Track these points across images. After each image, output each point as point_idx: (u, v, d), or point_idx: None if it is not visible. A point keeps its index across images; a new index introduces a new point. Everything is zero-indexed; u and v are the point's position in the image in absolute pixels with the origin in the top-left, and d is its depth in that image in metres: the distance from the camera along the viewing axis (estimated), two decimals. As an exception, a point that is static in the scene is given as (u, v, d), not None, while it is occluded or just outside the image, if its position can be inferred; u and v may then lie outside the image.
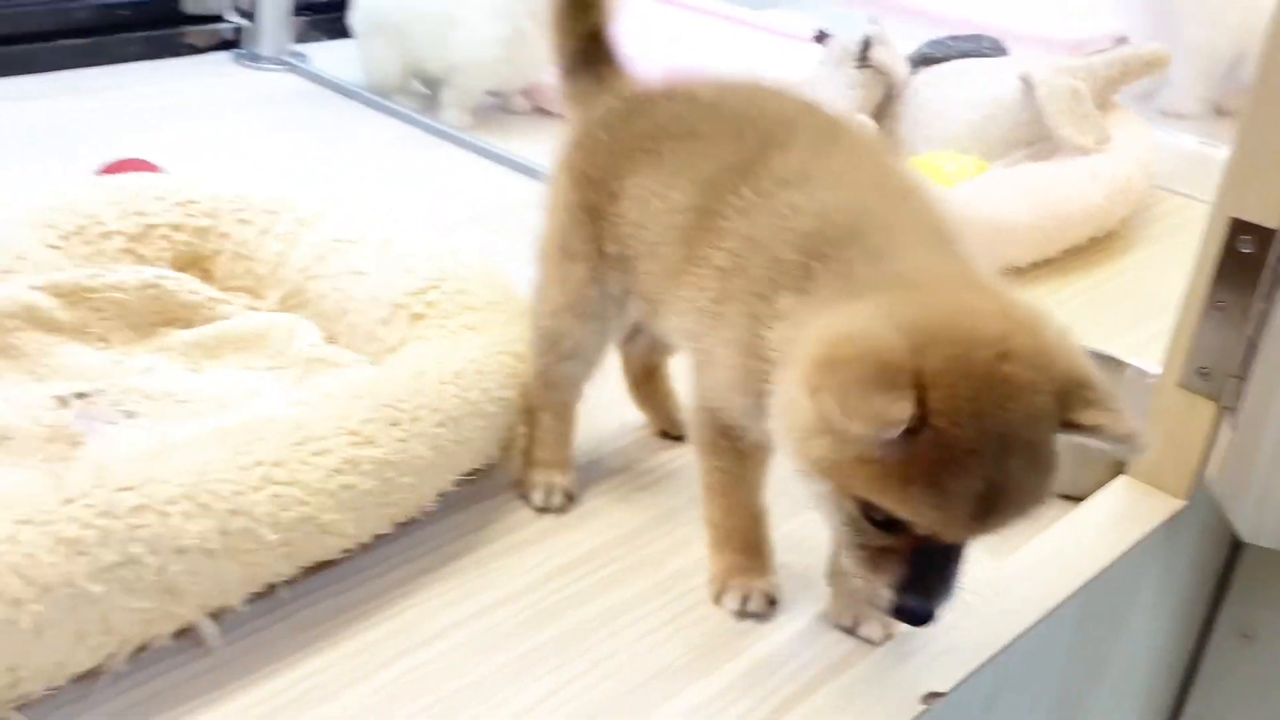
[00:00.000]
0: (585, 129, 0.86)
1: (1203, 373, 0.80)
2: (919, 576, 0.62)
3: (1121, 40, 2.13)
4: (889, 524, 0.62)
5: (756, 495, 0.80)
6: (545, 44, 1.49)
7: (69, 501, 0.65)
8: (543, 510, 0.87)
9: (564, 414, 0.90)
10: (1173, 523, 0.83)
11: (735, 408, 0.74)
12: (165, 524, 0.67)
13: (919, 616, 0.63)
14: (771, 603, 0.80)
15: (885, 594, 0.64)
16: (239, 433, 0.76)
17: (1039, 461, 0.60)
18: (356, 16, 1.61)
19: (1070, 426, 0.61)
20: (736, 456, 0.78)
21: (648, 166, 0.80)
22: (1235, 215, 0.76)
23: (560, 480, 0.89)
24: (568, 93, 0.90)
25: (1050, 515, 0.91)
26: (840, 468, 0.61)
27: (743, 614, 0.79)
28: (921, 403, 0.58)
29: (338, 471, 0.75)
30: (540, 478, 0.88)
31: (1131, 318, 1.27)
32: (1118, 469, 0.90)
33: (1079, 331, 1.20)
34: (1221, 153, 1.76)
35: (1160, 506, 0.83)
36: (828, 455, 0.61)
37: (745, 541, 0.81)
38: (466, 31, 1.53)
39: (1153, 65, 1.57)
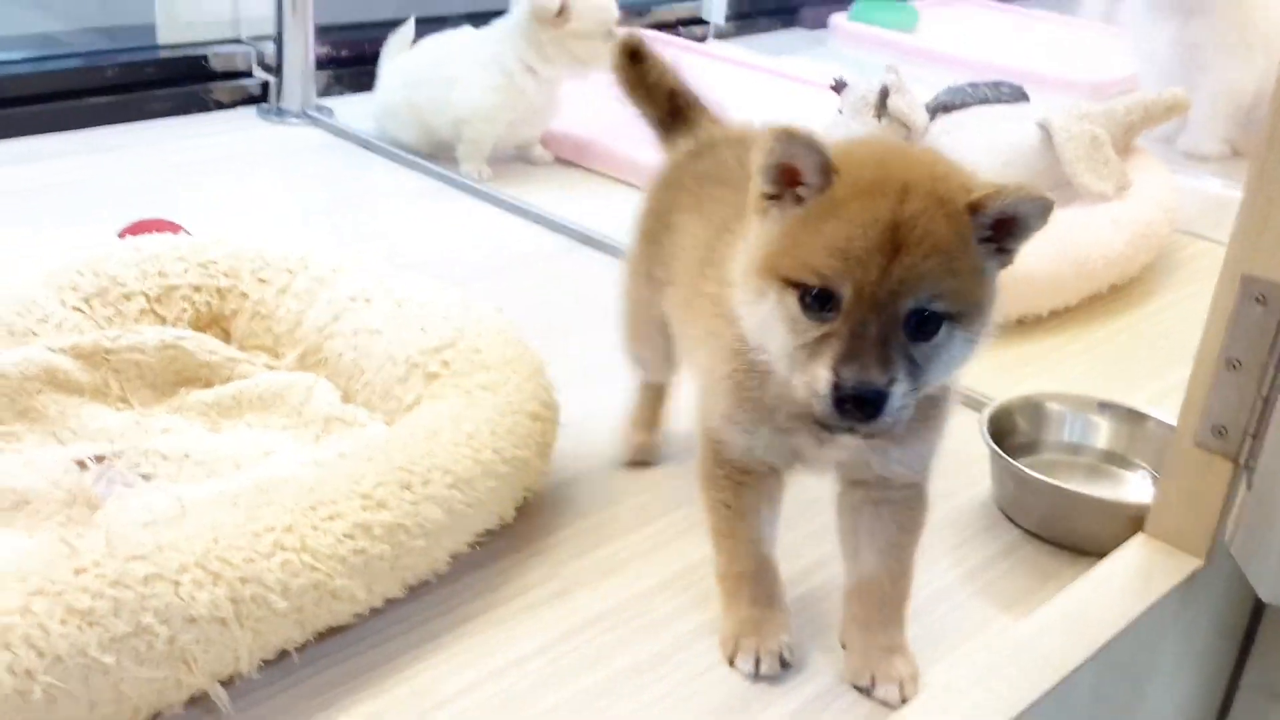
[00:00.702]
0: (664, 166, 0.95)
1: (1218, 431, 0.79)
2: (854, 350, 0.65)
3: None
4: (822, 302, 0.66)
5: (761, 538, 0.81)
6: (544, 92, 1.61)
7: (81, 571, 0.66)
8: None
9: (650, 393, 1.03)
10: (1191, 582, 0.82)
11: (734, 431, 0.78)
12: (177, 593, 0.67)
13: (859, 391, 0.64)
14: (785, 664, 0.79)
15: (824, 375, 0.65)
16: (251, 496, 0.77)
17: (943, 227, 0.66)
18: (378, 99, 1.70)
19: (976, 208, 0.67)
20: (735, 489, 0.80)
21: (690, 204, 0.88)
22: (1247, 272, 0.76)
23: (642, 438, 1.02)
24: (662, 142, 0.98)
25: (1068, 574, 0.91)
26: (773, 256, 0.69)
27: (756, 676, 0.79)
28: (833, 168, 0.68)
29: (349, 536, 0.75)
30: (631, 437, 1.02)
31: (1155, 366, 1.26)
32: (1136, 526, 0.89)
33: (1102, 381, 1.21)
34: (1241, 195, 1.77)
35: (1179, 566, 0.82)
36: (764, 246, 0.70)
37: (755, 595, 0.81)
38: (462, 87, 1.59)
39: (1173, 110, 1.57)
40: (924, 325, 0.66)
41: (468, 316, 1.00)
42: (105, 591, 0.65)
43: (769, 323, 0.70)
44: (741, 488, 0.80)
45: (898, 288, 0.65)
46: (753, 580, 0.81)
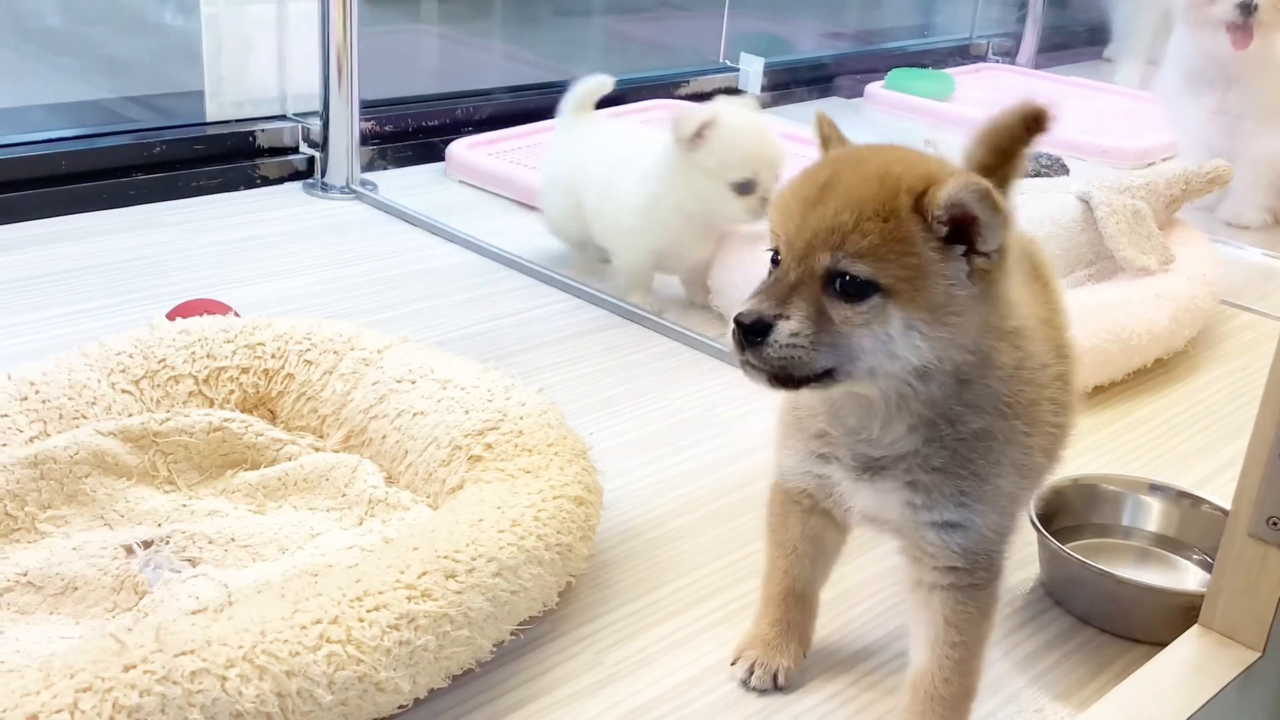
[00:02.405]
0: None
1: (1273, 523, 0.78)
2: (763, 289, 0.70)
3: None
4: (774, 256, 0.72)
5: (796, 572, 0.85)
6: (690, 226, 1.40)
7: (130, 668, 0.66)
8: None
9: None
10: (1248, 675, 0.80)
11: (782, 453, 0.81)
12: (223, 688, 0.67)
13: (742, 318, 0.69)
14: (778, 685, 0.85)
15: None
16: (296, 586, 0.77)
17: (876, 195, 0.68)
18: (545, 165, 1.60)
19: (920, 195, 0.67)
20: (782, 518, 0.84)
21: None
22: (1300, 362, 0.75)
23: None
24: None
25: (1122, 663, 0.89)
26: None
27: (746, 684, 0.85)
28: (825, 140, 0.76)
29: (393, 628, 0.75)
30: None
31: (1204, 443, 1.25)
32: (1190, 614, 0.87)
33: (1150, 459, 1.19)
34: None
35: (1235, 659, 0.80)
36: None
37: (775, 618, 0.86)
38: (616, 199, 1.44)
39: (1215, 181, 1.57)
40: (849, 287, 0.67)
41: (510, 399, 1.01)
42: (153, 688, 0.66)
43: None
44: (787, 518, 0.85)
45: (814, 239, 0.68)
46: (777, 605, 0.86)
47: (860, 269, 0.67)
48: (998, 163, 0.89)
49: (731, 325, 0.69)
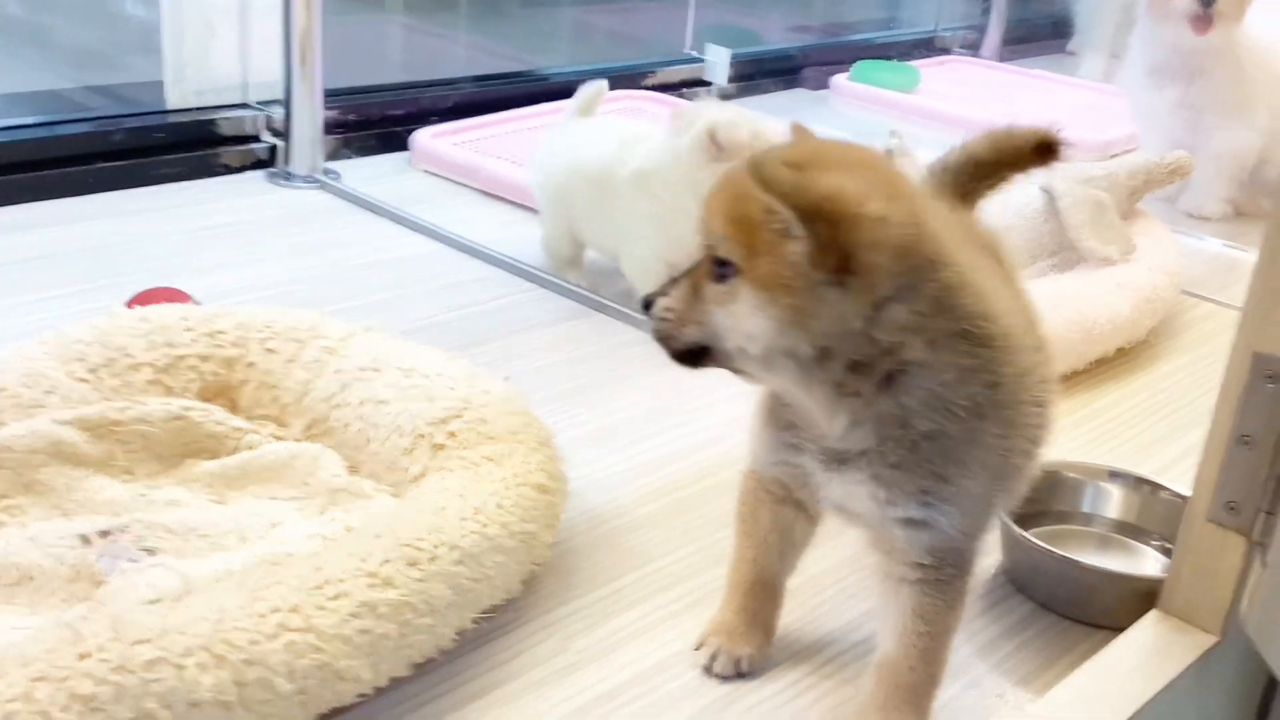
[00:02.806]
0: None
1: (1231, 507, 0.79)
2: (673, 277, 0.76)
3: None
4: None
5: (764, 561, 0.85)
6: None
7: (85, 656, 0.65)
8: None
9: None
10: (1206, 659, 0.81)
11: (754, 440, 0.82)
12: (180, 677, 0.67)
13: (644, 295, 0.76)
14: (741, 673, 0.85)
15: None
16: (256, 575, 0.76)
17: (735, 187, 0.71)
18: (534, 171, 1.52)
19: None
20: (752, 506, 0.85)
21: None
22: (1257, 349, 0.76)
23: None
24: None
25: (1083, 648, 0.90)
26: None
27: (709, 670, 0.85)
28: None
29: (354, 615, 0.75)
30: None
31: (1165, 432, 1.26)
32: (1150, 600, 0.88)
33: (1112, 448, 1.20)
34: (1244, 255, 1.78)
35: (1193, 643, 0.81)
36: None
37: (740, 605, 0.86)
38: (619, 203, 1.39)
39: (1177, 173, 1.58)
40: (719, 268, 0.71)
41: (474, 387, 1.00)
42: (109, 677, 0.65)
43: None
44: (758, 508, 0.84)
45: (703, 225, 0.73)
46: (743, 593, 0.86)
47: (721, 249, 0.71)
48: (992, 168, 0.90)
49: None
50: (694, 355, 0.74)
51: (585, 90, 1.51)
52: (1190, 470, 1.16)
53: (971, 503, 0.75)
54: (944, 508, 0.74)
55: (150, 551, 0.89)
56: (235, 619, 0.71)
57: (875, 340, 0.69)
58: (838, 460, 0.75)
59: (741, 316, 0.70)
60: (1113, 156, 2.18)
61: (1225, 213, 1.94)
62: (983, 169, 0.90)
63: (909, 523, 0.75)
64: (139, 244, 1.51)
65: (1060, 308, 1.30)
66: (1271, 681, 0.92)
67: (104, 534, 0.88)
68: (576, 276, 1.50)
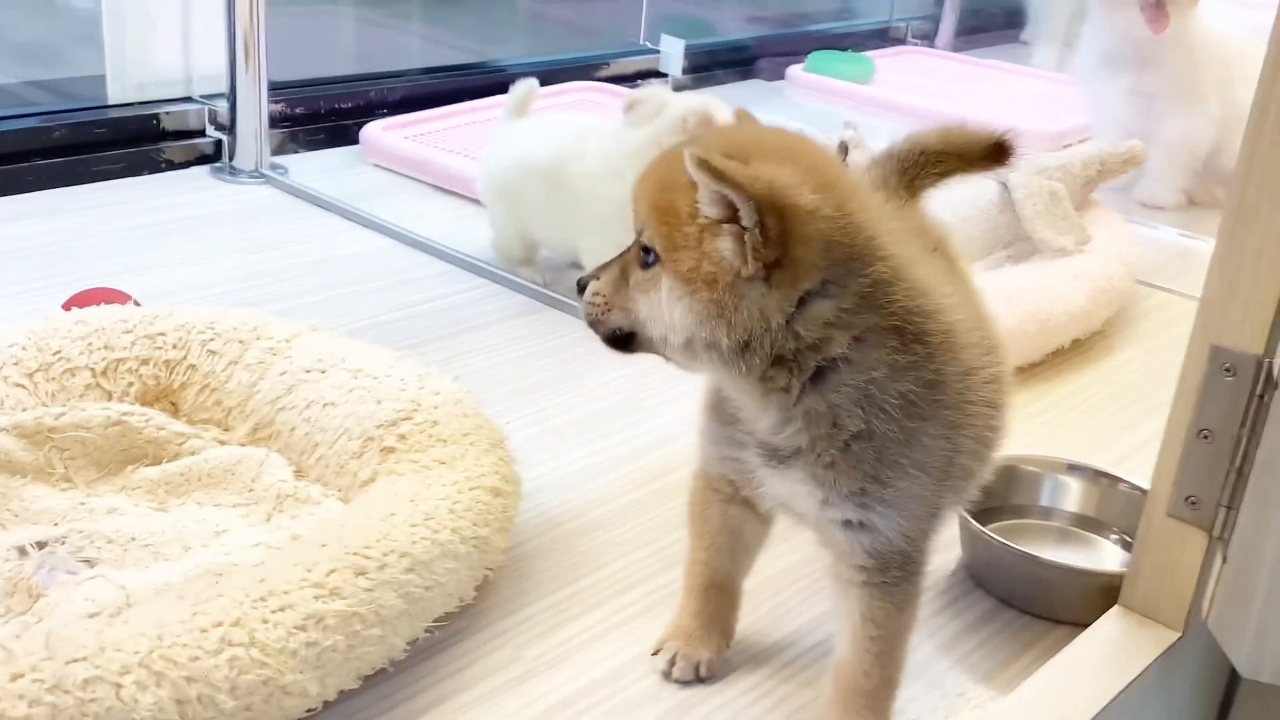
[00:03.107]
0: None
1: (1191, 502, 0.78)
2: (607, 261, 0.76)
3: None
4: None
5: (716, 563, 0.84)
6: None
7: (18, 677, 0.63)
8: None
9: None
10: (1169, 655, 0.80)
11: (701, 438, 0.81)
12: (118, 696, 0.64)
13: (578, 278, 0.77)
14: (700, 678, 0.84)
15: None
16: (197, 587, 0.74)
17: (682, 179, 0.68)
18: (481, 177, 1.49)
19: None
20: (701, 508, 0.83)
21: None
22: (1215, 343, 0.75)
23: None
24: None
25: (1044, 643, 0.89)
26: None
27: (667, 675, 0.84)
28: None
29: (300, 629, 0.72)
30: None
31: (1122, 423, 1.25)
32: (1110, 594, 0.87)
33: (1068, 439, 1.20)
34: (1199, 244, 1.78)
35: (1156, 639, 0.80)
36: None
37: (696, 609, 0.85)
38: (579, 192, 1.36)
39: (1130, 162, 1.58)
40: (644, 256, 0.72)
41: (424, 388, 0.98)
42: (43, 698, 0.62)
43: None
44: (707, 508, 0.83)
45: (634, 211, 0.73)
46: (698, 596, 0.85)
47: (645, 236, 0.71)
48: (939, 161, 0.88)
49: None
50: (622, 340, 0.75)
51: (516, 90, 1.48)
52: (1149, 462, 1.16)
53: (912, 505, 0.73)
54: (881, 510, 0.72)
55: (90, 563, 0.86)
56: (175, 634, 0.68)
57: (799, 335, 0.68)
58: (777, 457, 0.74)
59: (662, 306, 0.70)
60: (1066, 146, 2.19)
61: (1179, 202, 1.94)
62: (930, 161, 0.88)
63: (848, 525, 0.74)
64: (79, 243, 1.47)
65: (1016, 300, 1.30)
66: (1233, 675, 0.91)
67: (41, 545, 0.85)
68: (530, 274, 1.48)
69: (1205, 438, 0.77)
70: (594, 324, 0.76)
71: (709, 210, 0.67)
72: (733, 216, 0.67)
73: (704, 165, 0.65)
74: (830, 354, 0.68)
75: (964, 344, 0.72)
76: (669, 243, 0.69)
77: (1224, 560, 0.76)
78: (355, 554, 0.78)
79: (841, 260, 0.67)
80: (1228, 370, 0.75)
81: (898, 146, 0.88)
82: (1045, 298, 1.32)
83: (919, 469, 0.72)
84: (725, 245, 0.67)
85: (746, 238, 0.66)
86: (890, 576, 0.75)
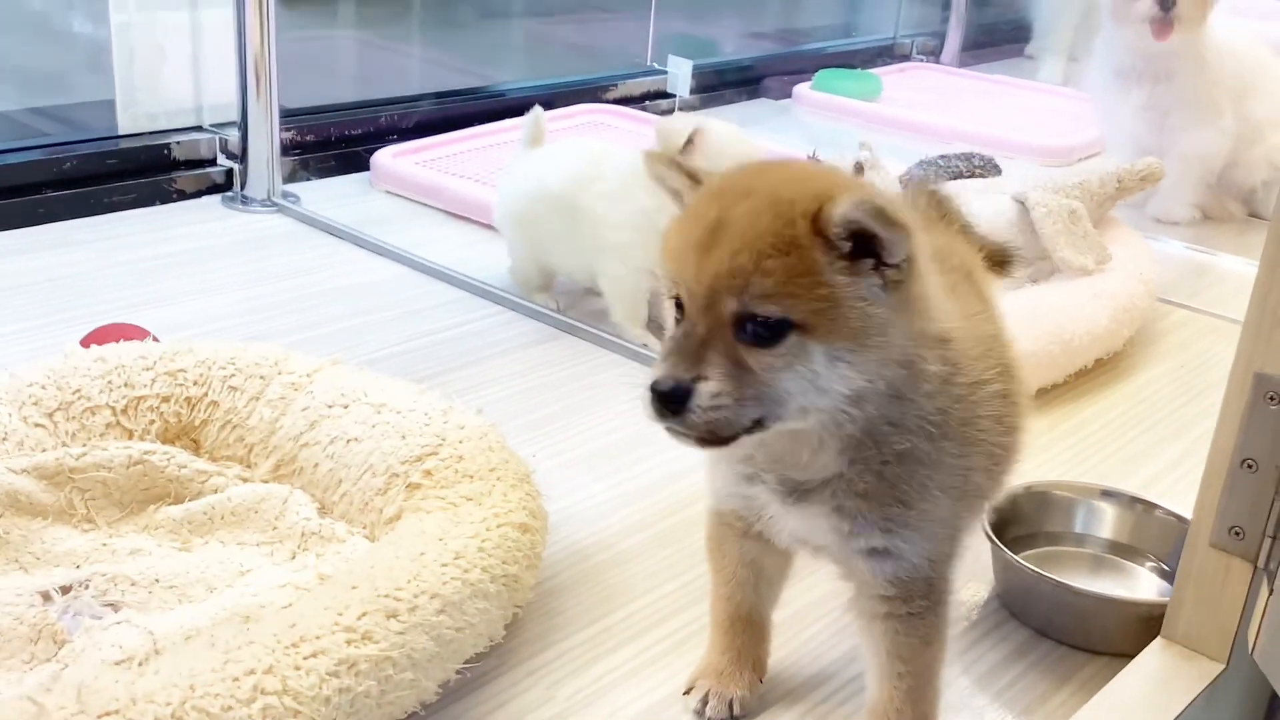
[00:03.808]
0: None
1: (1235, 533, 0.77)
2: (672, 347, 0.65)
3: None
4: (679, 306, 0.67)
5: (739, 598, 0.82)
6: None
7: (48, 732, 0.61)
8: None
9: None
10: (1214, 688, 0.79)
11: (712, 477, 0.79)
12: (151, 749, 0.63)
13: (659, 386, 0.64)
14: (733, 716, 0.82)
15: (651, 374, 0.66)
16: (228, 634, 0.72)
17: (773, 228, 0.64)
18: (498, 208, 1.48)
19: (815, 217, 0.64)
20: (718, 544, 0.81)
21: None
22: (1259, 370, 0.74)
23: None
24: None
25: (1083, 675, 0.88)
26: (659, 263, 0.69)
27: (701, 715, 0.82)
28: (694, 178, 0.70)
29: (332, 675, 0.71)
30: None
31: (1147, 445, 1.24)
32: (1148, 623, 0.86)
33: (1095, 463, 1.18)
34: (1212, 259, 1.77)
35: (1201, 672, 0.79)
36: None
37: (724, 645, 0.83)
38: (592, 221, 1.36)
39: (1148, 179, 1.57)
40: (761, 330, 0.64)
41: (449, 422, 0.97)
42: (75, 753, 0.61)
43: (669, 324, 0.70)
44: (723, 543, 0.82)
45: (715, 285, 0.64)
46: (725, 632, 0.83)
47: (770, 309, 0.63)
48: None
49: (647, 392, 0.65)
50: (746, 431, 0.66)
51: (527, 120, 1.47)
52: (1177, 484, 1.15)
53: (935, 527, 0.72)
54: (906, 534, 0.71)
55: (114, 606, 0.85)
56: (207, 683, 0.67)
57: (907, 357, 0.67)
58: (797, 493, 0.72)
59: (818, 374, 0.64)
60: (1078, 161, 2.19)
61: (1193, 217, 1.93)
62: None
63: (872, 552, 0.72)
64: (92, 275, 1.46)
65: (1038, 320, 1.29)
66: (1272, 705, 0.90)
67: (65, 589, 0.84)
68: (546, 300, 1.47)
69: (1249, 467, 0.76)
70: (719, 429, 0.64)
71: (845, 249, 0.64)
72: (857, 252, 0.64)
73: (880, 212, 0.62)
74: (920, 370, 0.68)
75: (973, 356, 0.72)
76: (817, 303, 0.63)
77: (1270, 592, 0.75)
78: (386, 596, 0.77)
79: (921, 276, 0.68)
80: (1272, 399, 0.73)
81: (933, 186, 0.89)
82: (1067, 318, 1.31)
83: (941, 490, 0.71)
84: (874, 282, 0.65)
85: (889, 274, 0.65)
86: (915, 606, 0.74)
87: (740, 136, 1.31)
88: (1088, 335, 1.32)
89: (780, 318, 0.63)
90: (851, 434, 0.68)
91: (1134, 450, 1.23)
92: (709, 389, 0.64)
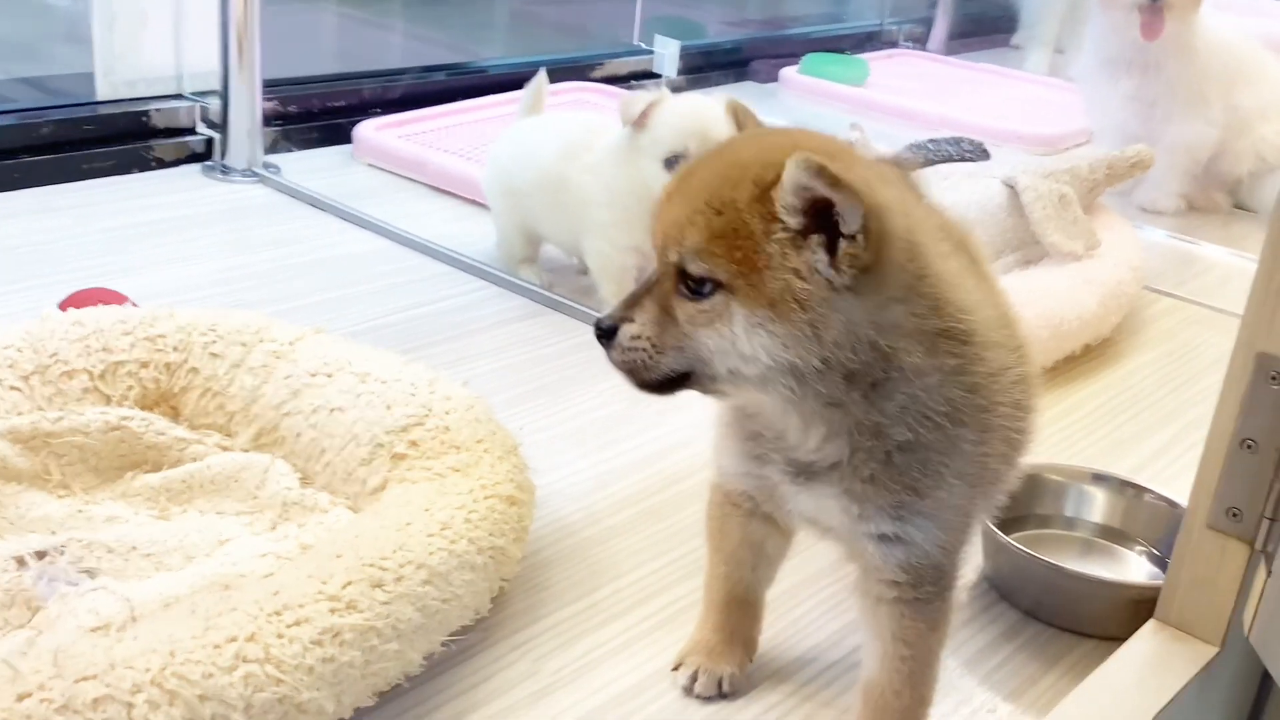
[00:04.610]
0: None
1: (1233, 514, 0.76)
2: (627, 295, 0.69)
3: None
4: None
5: (737, 577, 0.81)
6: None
7: (25, 696, 0.60)
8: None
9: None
10: (1207, 671, 0.78)
11: (719, 453, 0.78)
12: (129, 715, 0.61)
13: (597, 320, 0.69)
14: (723, 693, 0.81)
15: None
16: (210, 602, 0.71)
17: (728, 192, 0.64)
18: (486, 176, 1.46)
19: (769, 185, 0.64)
20: (721, 522, 0.80)
21: None
22: (1262, 350, 0.73)
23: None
24: None
25: (1072, 657, 0.87)
26: None
27: (689, 691, 0.81)
28: None
29: (316, 644, 0.70)
30: None
31: (1134, 430, 1.24)
32: (1138, 607, 0.85)
33: (1083, 447, 1.18)
34: (1197, 249, 1.77)
35: (1195, 654, 0.78)
36: None
37: (718, 623, 0.82)
38: (572, 194, 1.34)
39: (1138, 166, 1.57)
40: (693, 285, 0.65)
41: (435, 393, 0.95)
42: (51, 718, 0.59)
43: None
44: (726, 523, 0.81)
45: (665, 235, 0.67)
46: (719, 610, 0.82)
47: (697, 266, 0.65)
48: None
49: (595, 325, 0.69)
50: (671, 383, 0.68)
51: (528, 88, 1.47)
52: (1165, 470, 1.15)
53: (949, 515, 0.71)
54: (919, 522, 0.70)
55: (90, 573, 0.83)
56: (188, 650, 0.66)
57: (875, 345, 0.65)
58: (807, 474, 0.71)
59: (736, 336, 0.64)
60: (1064, 150, 2.19)
61: (1179, 207, 1.93)
62: None
63: (883, 538, 0.71)
64: (68, 242, 1.43)
65: (1030, 304, 1.27)
66: (1264, 685, 0.90)
67: (40, 555, 0.82)
68: (531, 274, 1.45)
69: (1249, 448, 0.75)
70: (637, 370, 0.68)
71: (791, 221, 0.63)
72: (813, 226, 0.63)
73: (822, 172, 0.60)
74: (900, 363, 0.65)
75: (993, 342, 0.70)
76: (743, 267, 0.63)
77: (1269, 574, 0.74)
78: (371, 565, 0.75)
79: (915, 259, 0.65)
80: (1274, 379, 0.73)
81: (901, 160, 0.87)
82: (1058, 302, 1.30)
83: (958, 477, 0.69)
84: (818, 258, 0.63)
85: (843, 245, 0.62)
86: (923, 592, 0.72)
87: (697, 111, 1.26)
88: (1077, 320, 1.32)
89: (705, 275, 0.65)
90: (831, 419, 0.67)
91: (1122, 435, 1.22)
92: (630, 329, 0.68)
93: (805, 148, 0.66)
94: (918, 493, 0.69)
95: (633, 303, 0.68)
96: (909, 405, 0.66)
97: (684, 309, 0.66)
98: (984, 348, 0.69)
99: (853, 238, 0.62)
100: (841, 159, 0.64)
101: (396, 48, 2.44)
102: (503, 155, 1.44)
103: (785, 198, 0.62)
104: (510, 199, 1.42)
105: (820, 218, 0.62)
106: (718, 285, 0.64)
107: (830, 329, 0.63)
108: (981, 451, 0.70)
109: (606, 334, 0.68)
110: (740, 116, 0.77)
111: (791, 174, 0.61)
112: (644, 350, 0.67)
